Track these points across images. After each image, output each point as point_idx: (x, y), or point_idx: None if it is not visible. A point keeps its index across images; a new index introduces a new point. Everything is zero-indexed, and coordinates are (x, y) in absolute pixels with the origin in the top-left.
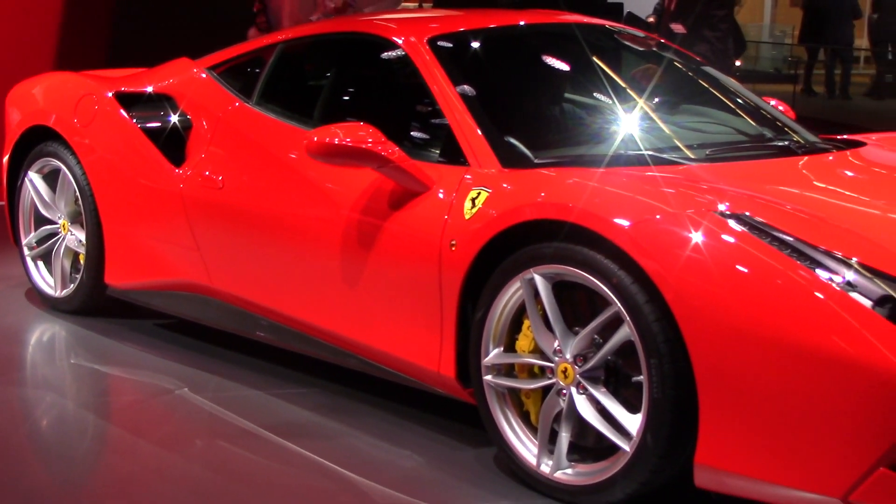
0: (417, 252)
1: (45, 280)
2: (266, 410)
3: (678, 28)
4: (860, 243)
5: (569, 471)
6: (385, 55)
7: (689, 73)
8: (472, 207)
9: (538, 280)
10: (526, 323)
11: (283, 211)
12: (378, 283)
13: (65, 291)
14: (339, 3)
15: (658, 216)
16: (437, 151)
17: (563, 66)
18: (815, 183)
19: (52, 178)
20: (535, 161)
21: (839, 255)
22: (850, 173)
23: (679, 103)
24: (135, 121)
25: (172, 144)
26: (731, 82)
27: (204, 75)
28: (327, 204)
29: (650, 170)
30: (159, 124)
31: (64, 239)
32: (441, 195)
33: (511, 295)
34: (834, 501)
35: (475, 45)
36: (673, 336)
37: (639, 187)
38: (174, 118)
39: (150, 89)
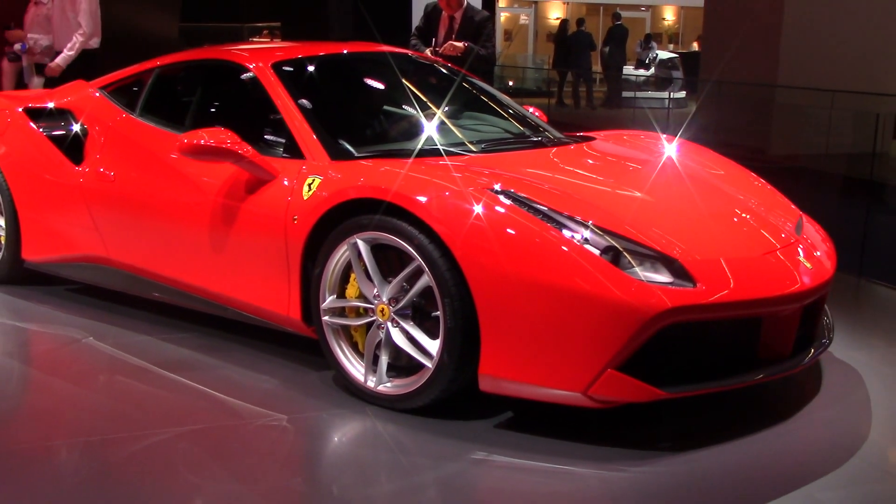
0: (268, 225)
1: None
2: (156, 351)
3: (458, 43)
4: (594, 210)
5: (388, 384)
6: (240, 76)
7: (469, 88)
8: (309, 191)
9: (360, 244)
10: (352, 276)
11: (162, 197)
12: (239, 250)
13: None
14: None
15: (447, 193)
16: (281, 149)
17: (377, 83)
18: (561, 167)
19: None
20: (356, 155)
21: (578, 218)
22: (586, 160)
23: (462, 110)
24: (41, 130)
25: (73, 148)
26: (499, 94)
27: (97, 93)
28: (196, 191)
29: (442, 159)
30: (61, 132)
31: None
32: (285, 182)
33: (341, 255)
34: (578, 395)
35: (309, 68)
36: (460, 281)
37: (433, 172)
38: (74, 127)
39: (52, 105)
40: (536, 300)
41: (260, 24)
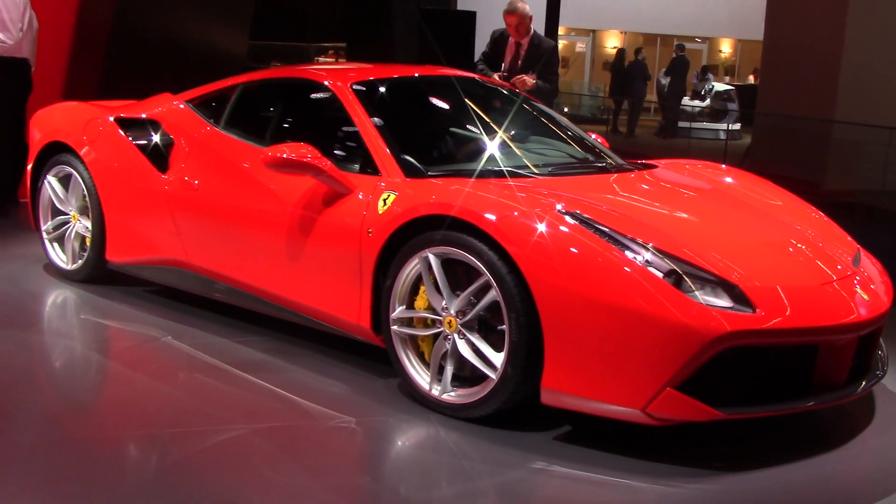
0: (344, 237)
1: (59, 257)
2: (231, 352)
3: (529, 77)
4: (655, 234)
5: (452, 393)
6: (319, 95)
7: (534, 113)
8: (384, 206)
9: (431, 258)
10: (422, 288)
11: (243, 206)
12: (315, 259)
13: (74, 265)
14: None
15: (516, 213)
16: (357, 165)
17: (446, 105)
18: (623, 192)
19: (65, 180)
20: (428, 173)
21: (640, 241)
22: (646, 186)
23: (528, 135)
24: (130, 139)
25: (159, 157)
26: (564, 120)
27: (182, 106)
28: (275, 201)
29: (508, 181)
30: (149, 142)
31: (74, 226)
32: (360, 196)
33: (412, 268)
34: (637, 412)
35: (383, 89)
36: (526, 297)
37: (502, 192)
38: (160, 137)
39: (142, 116)
40: (600, 318)
41: (326, 45)
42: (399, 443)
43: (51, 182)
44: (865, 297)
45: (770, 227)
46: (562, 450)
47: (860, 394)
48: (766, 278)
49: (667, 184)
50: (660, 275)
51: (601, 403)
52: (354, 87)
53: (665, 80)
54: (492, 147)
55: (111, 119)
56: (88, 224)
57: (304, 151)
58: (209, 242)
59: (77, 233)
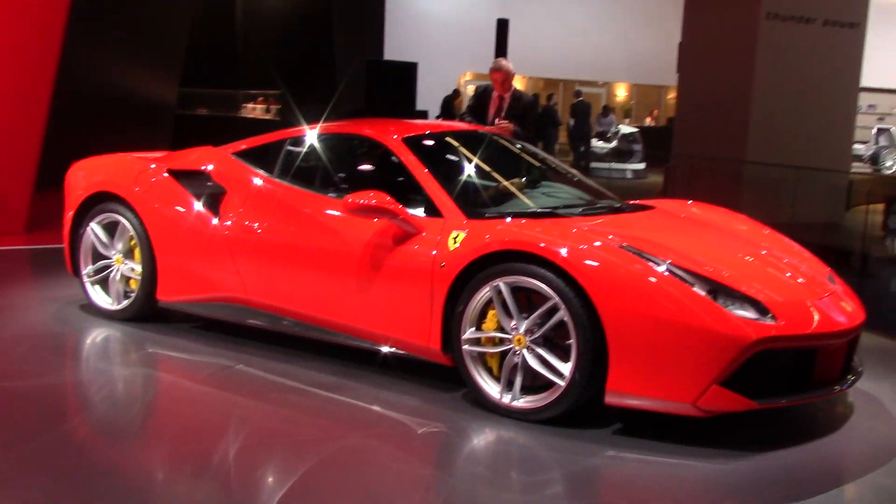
0: (416, 270)
1: (102, 298)
2: (302, 375)
3: (509, 126)
4: (688, 259)
5: (521, 400)
6: (374, 147)
7: (545, 161)
8: (454, 243)
9: (502, 286)
10: (490, 312)
11: (307, 246)
12: (385, 290)
13: (120, 305)
14: None
15: (581, 246)
16: (422, 209)
17: (481, 155)
18: (649, 226)
19: (110, 227)
20: (486, 215)
21: (681, 265)
22: (666, 221)
23: (545, 179)
24: (184, 187)
25: (213, 204)
26: (564, 165)
27: (231, 157)
28: (342, 241)
29: (558, 220)
30: (203, 190)
31: (118, 269)
32: (430, 236)
33: (482, 295)
34: (688, 406)
35: (430, 142)
36: (591, 315)
37: (559, 230)
38: (213, 186)
39: (188, 167)
40: (655, 331)
41: (254, 92)
42: (490, 439)
43: (94, 229)
44: (849, 309)
45: (766, 251)
46: (625, 442)
47: (849, 387)
48: (781, 294)
49: (675, 219)
50: (702, 293)
51: (658, 400)
52: (408, 140)
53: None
54: (527, 191)
55: (163, 170)
56: (135, 265)
57: (383, 198)
58: (272, 280)
59: (123, 275)
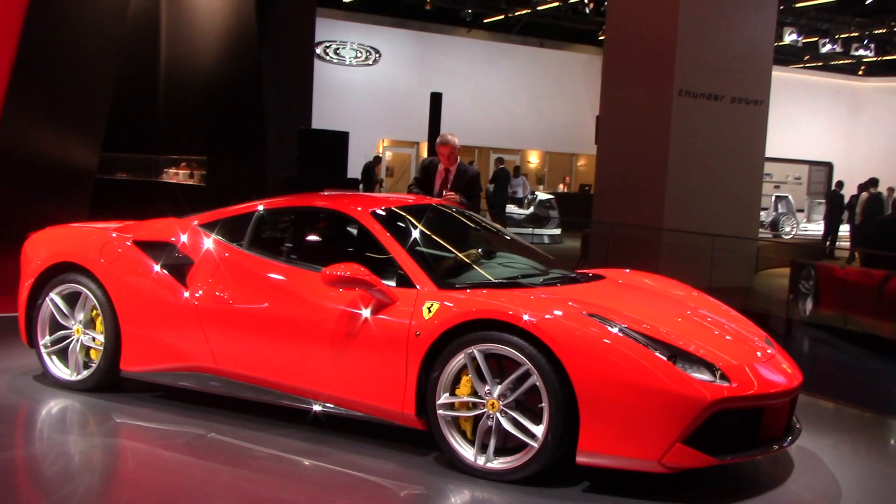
0: (391, 339)
1: (60, 369)
2: (275, 442)
3: (456, 198)
4: (645, 325)
5: (495, 462)
6: (342, 220)
7: (499, 232)
8: (429, 313)
9: (476, 353)
10: (464, 377)
11: (283, 315)
12: (360, 358)
13: (79, 376)
14: None
15: (547, 315)
16: (392, 280)
17: (444, 227)
18: (605, 295)
19: (69, 297)
20: (456, 285)
21: (641, 331)
22: (620, 290)
23: (499, 250)
24: (150, 258)
25: (181, 275)
26: (513, 235)
27: (197, 228)
28: (317, 311)
29: (523, 290)
30: (169, 261)
31: (79, 339)
32: (403, 306)
33: (457, 362)
34: (654, 463)
35: (398, 214)
36: (562, 380)
37: (526, 299)
38: (180, 257)
39: (153, 238)
40: (624, 394)
41: (176, 157)
42: (466, 500)
43: (54, 299)
44: (789, 370)
45: (709, 317)
46: (595, 498)
47: (790, 444)
48: (731, 358)
49: (626, 287)
50: (664, 358)
51: (626, 458)
52: (375, 213)
53: (490, 188)
54: (488, 262)
55: (127, 240)
56: (96, 335)
57: (359, 269)
58: (244, 350)
59: (83, 345)
